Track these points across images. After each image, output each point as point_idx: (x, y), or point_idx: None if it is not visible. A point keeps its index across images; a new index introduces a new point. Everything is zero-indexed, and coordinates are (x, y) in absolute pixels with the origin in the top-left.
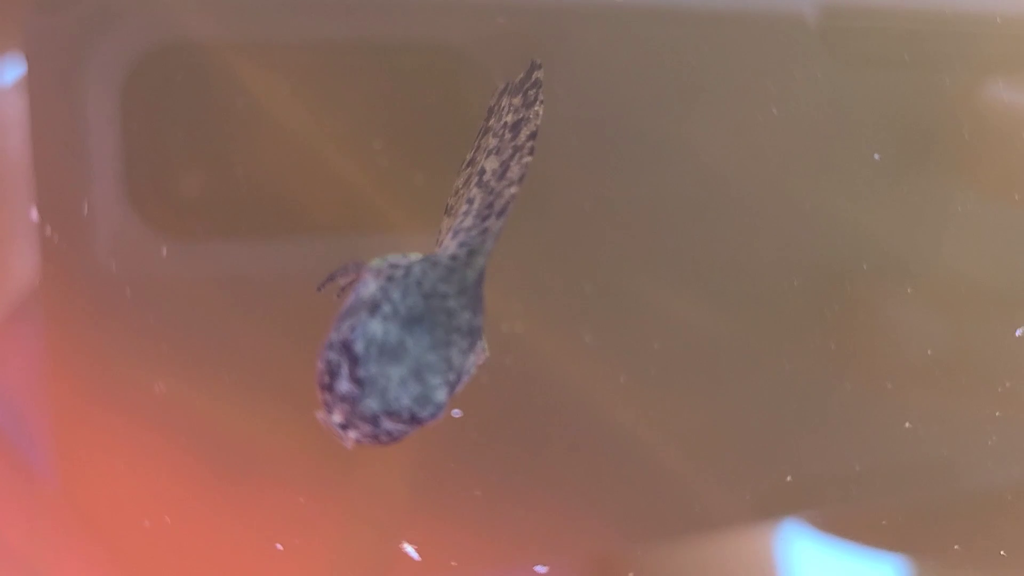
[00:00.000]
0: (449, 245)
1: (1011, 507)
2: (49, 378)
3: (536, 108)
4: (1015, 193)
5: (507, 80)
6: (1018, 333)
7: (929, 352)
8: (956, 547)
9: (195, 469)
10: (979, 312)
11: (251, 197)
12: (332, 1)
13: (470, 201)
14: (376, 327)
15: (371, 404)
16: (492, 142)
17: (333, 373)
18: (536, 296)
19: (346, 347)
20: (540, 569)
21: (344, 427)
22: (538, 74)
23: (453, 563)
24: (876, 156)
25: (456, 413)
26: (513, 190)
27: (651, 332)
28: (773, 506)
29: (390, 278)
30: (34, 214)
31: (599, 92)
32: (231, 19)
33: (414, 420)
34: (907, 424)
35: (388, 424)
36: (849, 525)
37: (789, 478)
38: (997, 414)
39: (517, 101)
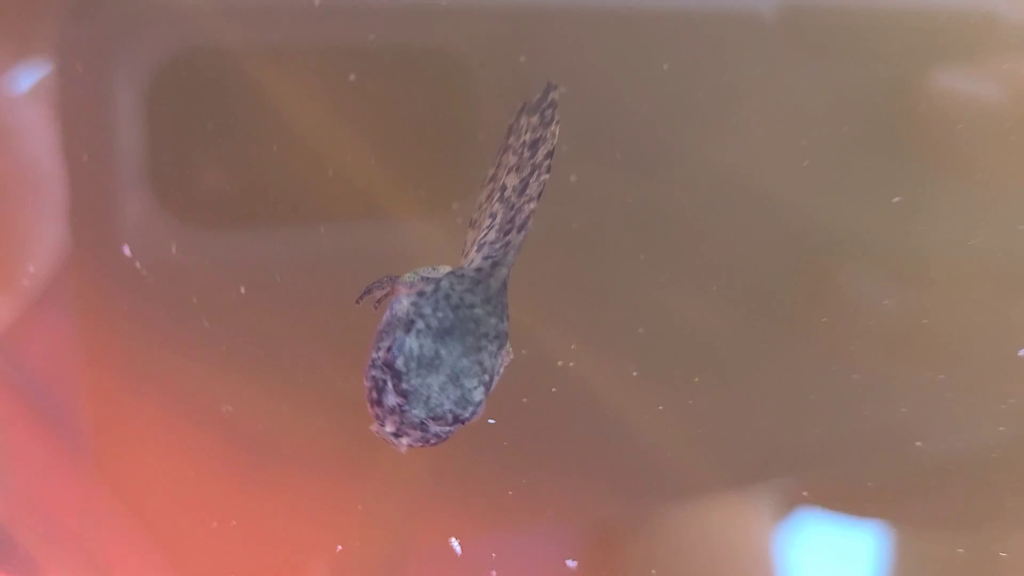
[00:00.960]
0: (475, 258)
1: (973, 471)
2: (83, 364)
3: (552, 128)
4: (962, 173)
5: (525, 100)
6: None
7: (885, 324)
8: (921, 510)
9: (225, 454)
10: (934, 285)
11: (267, 192)
12: (347, 10)
13: (492, 216)
14: (412, 343)
15: (417, 412)
16: (512, 160)
17: (380, 389)
18: (533, 287)
19: (388, 365)
20: (571, 564)
21: (396, 435)
22: (554, 95)
23: (453, 539)
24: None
25: (490, 421)
26: (532, 206)
27: (636, 318)
28: (749, 477)
29: (421, 293)
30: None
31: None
32: (252, 26)
33: (457, 420)
34: (872, 393)
35: (435, 427)
36: (824, 494)
37: (764, 451)
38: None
39: (535, 120)
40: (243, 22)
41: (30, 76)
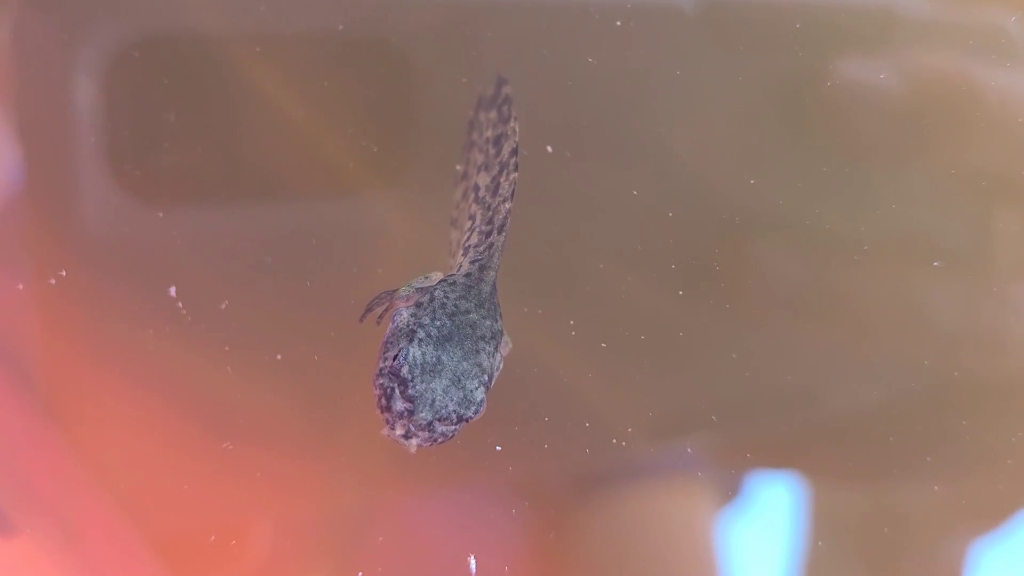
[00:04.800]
0: (462, 262)
1: (875, 426)
2: (41, 333)
3: (512, 124)
4: (866, 157)
5: (479, 95)
6: None
7: (797, 292)
8: (834, 463)
9: (184, 425)
10: (839, 258)
11: (232, 170)
12: None
13: (472, 217)
14: (415, 351)
15: (425, 415)
16: (479, 157)
17: (388, 396)
18: None
19: (394, 373)
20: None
21: (406, 437)
22: (507, 90)
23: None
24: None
25: (497, 448)
26: (508, 205)
27: (583, 295)
28: (665, 435)
29: (419, 304)
30: (172, 291)
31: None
32: (217, 8)
33: (461, 419)
34: (781, 355)
35: (441, 427)
36: (744, 449)
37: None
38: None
39: (493, 116)
40: (208, 3)
41: None
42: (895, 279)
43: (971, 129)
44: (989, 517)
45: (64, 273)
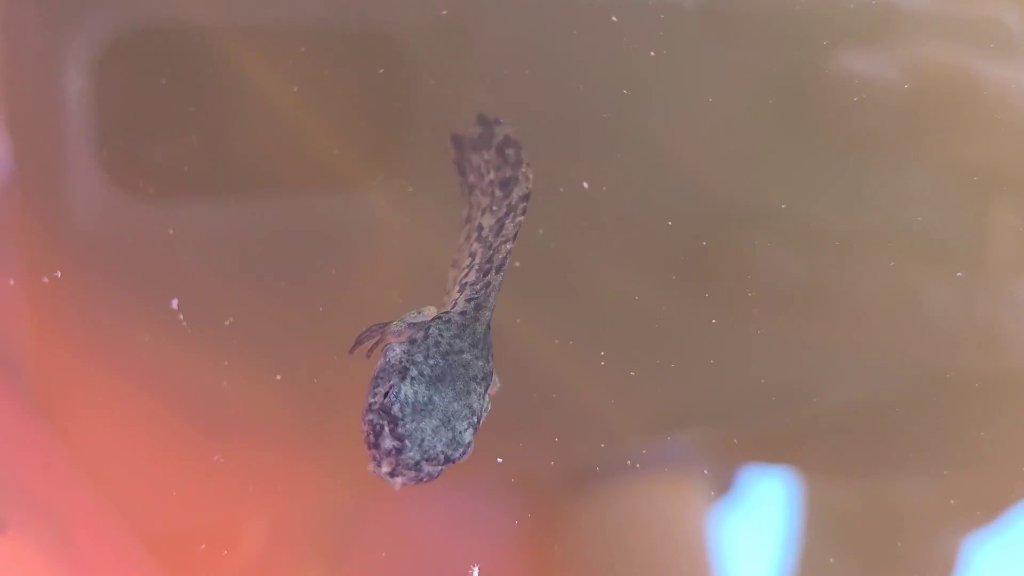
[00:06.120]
0: (457, 299)
1: (869, 422)
2: (32, 331)
3: (526, 171)
4: (864, 149)
5: (456, 134)
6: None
7: (794, 288)
8: (829, 458)
9: (177, 423)
10: (835, 252)
11: (224, 163)
12: None
13: (472, 255)
14: (408, 390)
15: (413, 455)
16: (484, 200)
17: (377, 433)
18: None
19: (385, 411)
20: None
21: (392, 475)
22: (508, 131)
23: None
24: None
25: (499, 460)
26: (508, 246)
27: (578, 293)
28: (659, 431)
29: (412, 340)
30: (174, 303)
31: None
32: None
33: (448, 460)
34: (777, 351)
35: (427, 467)
36: (739, 444)
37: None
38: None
39: (491, 157)
40: None
41: None
42: (891, 275)
43: (970, 123)
44: (983, 512)
45: (59, 274)
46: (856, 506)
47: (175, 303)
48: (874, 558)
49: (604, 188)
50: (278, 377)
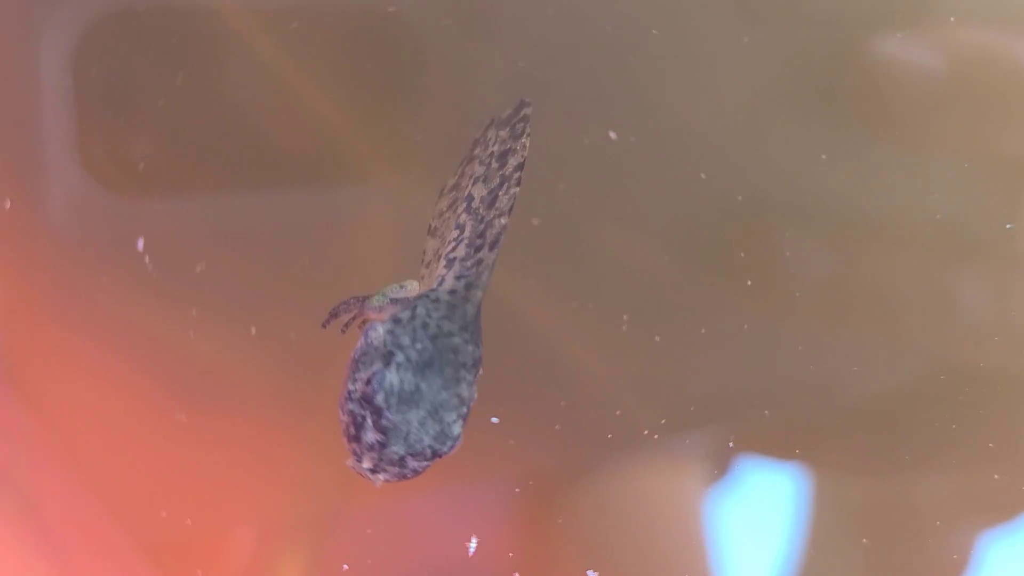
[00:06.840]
0: (446, 276)
1: (893, 417)
2: (2, 297)
3: (523, 140)
4: (903, 139)
5: (493, 116)
6: None
7: (820, 282)
8: (845, 454)
9: (151, 391)
10: (868, 246)
11: (202, 149)
12: None
13: (460, 227)
14: (392, 377)
15: (397, 450)
16: (479, 170)
17: (358, 425)
18: None
19: (367, 400)
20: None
21: (373, 471)
22: (527, 111)
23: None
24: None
25: (493, 420)
26: (503, 221)
27: (594, 267)
28: (683, 425)
29: (396, 320)
30: (140, 243)
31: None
32: None
33: (435, 455)
34: (799, 347)
35: (412, 463)
36: (751, 440)
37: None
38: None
39: (504, 133)
40: None
41: None
42: (923, 268)
43: (1010, 111)
44: (1002, 509)
45: (8, 204)
46: (875, 500)
47: (140, 244)
48: (891, 552)
49: (633, 139)
50: (252, 330)
